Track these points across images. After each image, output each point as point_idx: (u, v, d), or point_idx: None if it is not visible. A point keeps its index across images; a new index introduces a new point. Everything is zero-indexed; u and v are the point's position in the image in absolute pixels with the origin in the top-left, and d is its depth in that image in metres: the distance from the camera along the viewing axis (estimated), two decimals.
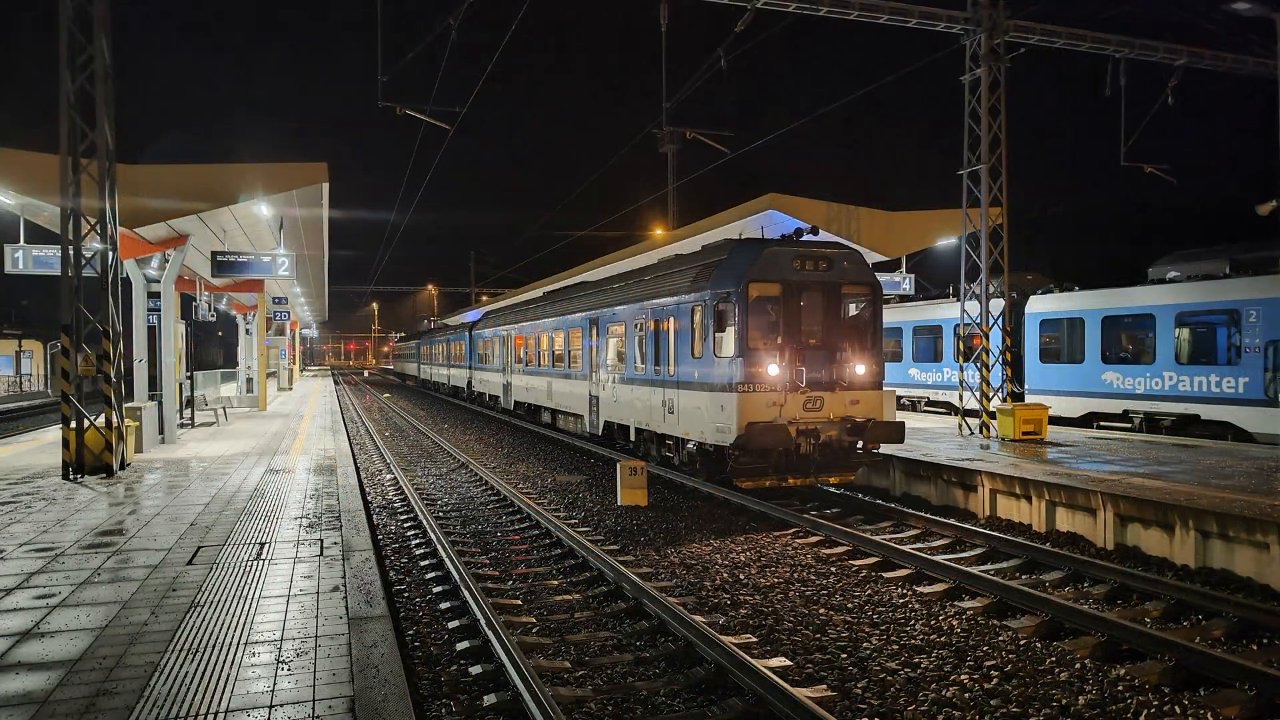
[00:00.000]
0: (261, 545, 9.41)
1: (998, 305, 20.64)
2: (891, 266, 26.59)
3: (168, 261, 19.17)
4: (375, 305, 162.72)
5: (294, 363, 54.34)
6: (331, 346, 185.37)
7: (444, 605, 9.34)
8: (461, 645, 8.06)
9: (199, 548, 9.28)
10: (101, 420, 14.70)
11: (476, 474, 18.85)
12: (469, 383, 41.80)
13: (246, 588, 7.75)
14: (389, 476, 18.84)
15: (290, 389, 47.99)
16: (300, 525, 10.52)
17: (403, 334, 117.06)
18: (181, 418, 21.29)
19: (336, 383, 69.95)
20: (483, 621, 8.27)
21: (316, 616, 6.89)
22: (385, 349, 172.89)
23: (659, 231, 42.27)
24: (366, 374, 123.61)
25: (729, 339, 14.79)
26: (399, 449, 24.25)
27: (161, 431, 19.27)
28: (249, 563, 8.66)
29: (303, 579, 8.03)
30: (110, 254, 14.51)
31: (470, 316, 62.22)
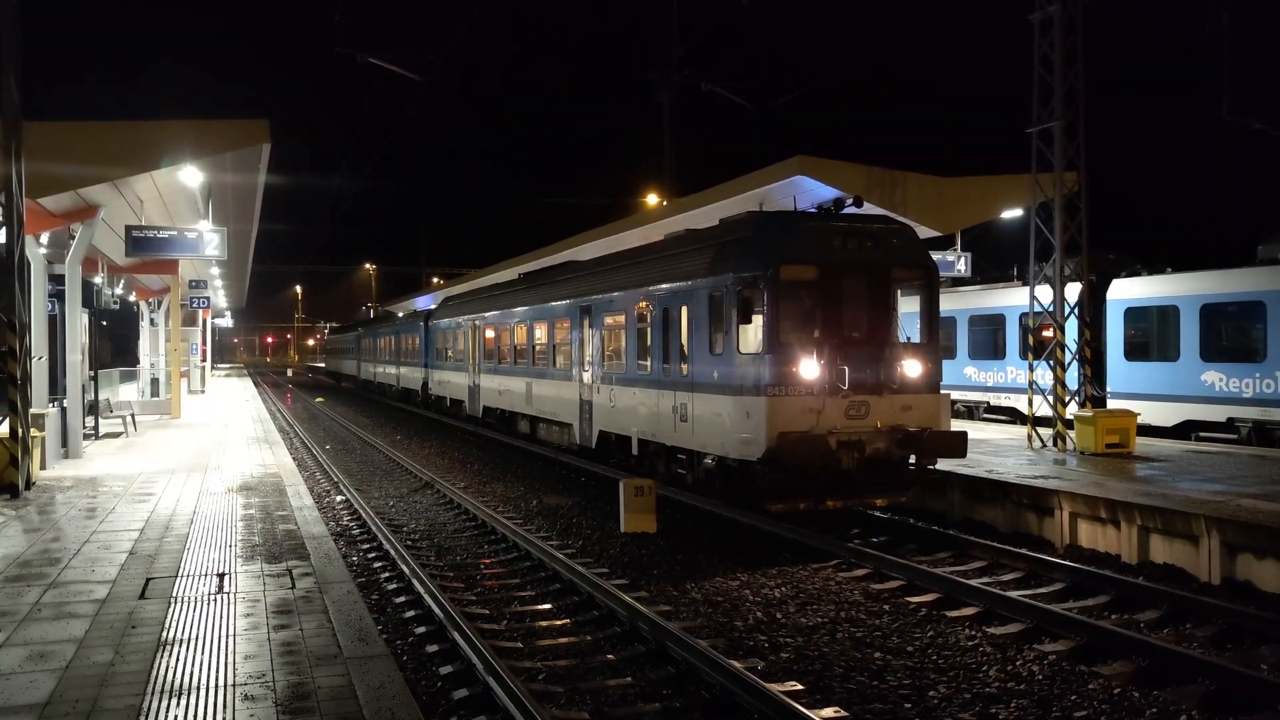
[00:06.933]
0: (221, 576, 9.91)
1: (1074, 290, 21.08)
2: (943, 244, 26.90)
3: (73, 238, 19.53)
4: (299, 289, 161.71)
5: (205, 359, 54.60)
6: (244, 339, 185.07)
7: (431, 648, 9.81)
8: (459, 694, 8.54)
9: (148, 579, 9.77)
10: (5, 429, 15.09)
11: (445, 495, 19.30)
12: (424, 385, 42.16)
13: (217, 624, 8.25)
14: (340, 498, 19.30)
15: (202, 391, 48.33)
16: (260, 554, 11.00)
17: (336, 324, 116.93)
18: (84, 426, 21.67)
19: (257, 384, 70.25)
20: (480, 667, 8.73)
21: (305, 654, 7.39)
22: (311, 341, 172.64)
23: (653, 198, 42.61)
24: (291, 373, 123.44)
25: (755, 332, 15.10)
26: (346, 465, 24.68)
27: (65, 444, 19.65)
28: (212, 596, 9.17)
29: (279, 614, 8.53)
30: (18, 229, 14.88)
31: (423, 303, 62.58)
